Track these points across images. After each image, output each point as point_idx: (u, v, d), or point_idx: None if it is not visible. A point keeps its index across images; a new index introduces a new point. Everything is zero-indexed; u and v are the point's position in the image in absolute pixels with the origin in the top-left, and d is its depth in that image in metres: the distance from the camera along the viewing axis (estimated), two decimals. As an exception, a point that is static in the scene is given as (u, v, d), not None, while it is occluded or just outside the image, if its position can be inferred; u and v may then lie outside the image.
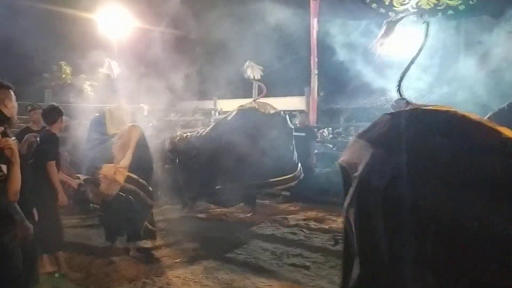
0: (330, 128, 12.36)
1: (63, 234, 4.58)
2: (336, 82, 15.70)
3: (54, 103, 5.30)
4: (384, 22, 2.49)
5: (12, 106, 2.95)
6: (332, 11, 9.21)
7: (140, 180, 5.07)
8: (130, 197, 4.91)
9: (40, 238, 3.33)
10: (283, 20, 10.53)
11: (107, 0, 13.94)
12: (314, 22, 9.19)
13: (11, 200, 2.61)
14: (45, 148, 4.21)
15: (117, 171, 4.77)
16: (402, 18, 2.46)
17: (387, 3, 8.59)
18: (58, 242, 4.44)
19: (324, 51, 9.73)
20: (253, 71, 7.06)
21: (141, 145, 5.10)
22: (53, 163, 4.29)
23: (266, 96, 7.50)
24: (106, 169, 4.78)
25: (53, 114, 4.52)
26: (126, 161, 4.89)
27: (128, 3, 13.66)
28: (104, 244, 5.32)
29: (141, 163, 5.08)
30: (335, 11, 9.21)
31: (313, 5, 9.17)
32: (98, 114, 5.85)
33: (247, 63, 7.09)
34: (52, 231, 4.20)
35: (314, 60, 9.42)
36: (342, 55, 10.01)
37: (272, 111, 7.00)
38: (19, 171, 2.62)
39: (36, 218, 3.22)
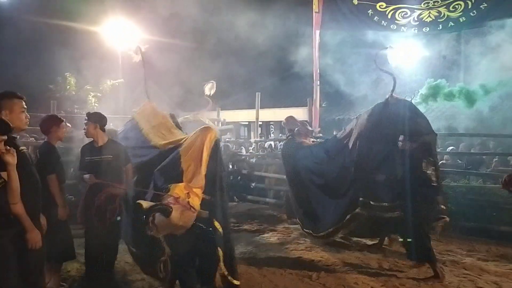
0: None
1: (69, 245, 4.46)
2: (338, 93, 15.79)
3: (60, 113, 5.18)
4: None
5: (24, 117, 3.05)
6: (334, 23, 9.32)
7: (217, 203, 3.79)
8: (210, 229, 3.63)
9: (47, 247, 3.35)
10: (287, 32, 10.65)
11: (112, 13, 14.16)
12: (317, 34, 9.29)
13: (12, 204, 2.69)
14: (42, 161, 4.10)
15: (191, 192, 3.43)
16: None
17: (389, 16, 8.69)
18: (63, 252, 4.35)
19: (326, 63, 9.84)
20: (211, 89, 7.22)
21: (216, 156, 3.81)
22: (52, 176, 4.13)
23: (270, 107, 7.64)
24: (177, 189, 3.41)
25: (47, 123, 4.36)
26: (200, 179, 3.56)
27: (133, 16, 13.86)
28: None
29: (216, 181, 3.81)
30: (338, 24, 9.32)
31: (315, 17, 9.28)
32: (127, 127, 5.02)
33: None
34: (59, 241, 4.14)
35: (316, 71, 9.51)
36: (343, 66, 10.12)
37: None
38: (17, 178, 2.69)
39: (45, 228, 3.26)
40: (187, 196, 3.37)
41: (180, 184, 3.47)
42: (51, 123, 4.35)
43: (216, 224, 3.69)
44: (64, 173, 4.53)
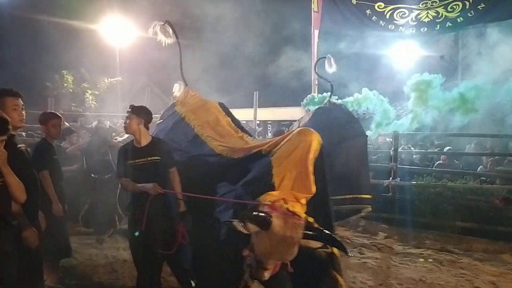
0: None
1: (67, 243, 4.47)
2: (336, 93, 15.84)
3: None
4: None
5: (18, 114, 3.01)
6: (333, 23, 9.33)
7: (326, 233, 2.77)
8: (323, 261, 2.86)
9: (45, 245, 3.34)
10: (286, 32, 10.64)
11: (110, 11, 14.12)
12: (316, 33, 9.31)
13: (16, 204, 2.67)
14: (35, 157, 3.89)
15: (288, 198, 2.71)
16: None
17: (388, 16, 8.70)
18: (61, 250, 4.36)
19: (324, 62, 9.85)
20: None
21: (321, 167, 2.97)
22: (45, 173, 4.05)
23: (268, 106, 7.64)
24: (269, 197, 2.72)
25: (39, 120, 4.34)
26: (307, 188, 2.80)
27: (131, 13, 13.82)
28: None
29: (328, 200, 3.08)
30: (336, 23, 9.33)
31: (314, 17, 9.30)
32: (167, 124, 4.26)
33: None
34: (55, 239, 4.10)
35: (315, 70, 9.52)
36: (342, 66, 10.12)
37: None
38: (14, 178, 2.64)
39: (43, 226, 3.24)
40: (284, 202, 2.66)
41: (273, 192, 2.75)
42: (42, 121, 4.35)
43: (335, 250, 2.91)
44: (60, 171, 4.50)
